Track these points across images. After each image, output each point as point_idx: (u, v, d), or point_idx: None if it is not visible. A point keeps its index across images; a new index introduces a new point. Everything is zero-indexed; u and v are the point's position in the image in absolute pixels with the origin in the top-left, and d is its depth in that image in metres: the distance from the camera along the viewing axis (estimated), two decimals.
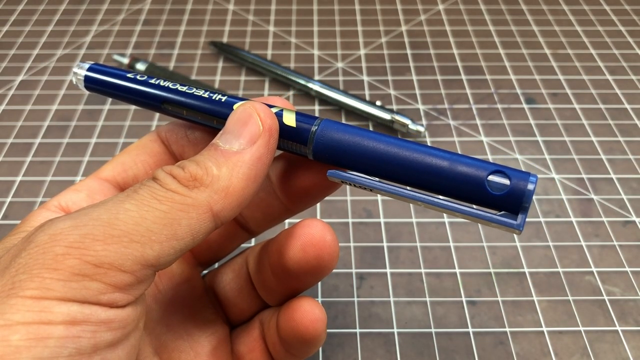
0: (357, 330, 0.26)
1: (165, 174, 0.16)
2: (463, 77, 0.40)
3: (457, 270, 0.28)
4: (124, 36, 0.44)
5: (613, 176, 0.33)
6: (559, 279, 0.28)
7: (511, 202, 0.16)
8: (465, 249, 0.29)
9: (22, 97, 0.38)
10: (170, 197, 0.15)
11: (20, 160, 0.34)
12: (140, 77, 0.19)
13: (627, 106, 0.38)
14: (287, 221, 0.30)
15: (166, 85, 0.19)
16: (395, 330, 0.26)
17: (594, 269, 0.28)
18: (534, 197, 0.31)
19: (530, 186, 0.16)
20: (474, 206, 0.17)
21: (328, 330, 0.25)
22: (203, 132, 0.21)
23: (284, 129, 0.18)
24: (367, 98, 0.38)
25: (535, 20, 0.46)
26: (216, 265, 0.25)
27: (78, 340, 0.13)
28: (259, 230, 0.22)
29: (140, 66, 0.39)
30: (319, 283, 0.28)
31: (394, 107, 0.38)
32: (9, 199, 0.32)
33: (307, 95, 0.39)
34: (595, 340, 0.26)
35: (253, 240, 0.28)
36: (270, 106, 0.18)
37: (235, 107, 0.18)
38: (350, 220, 0.31)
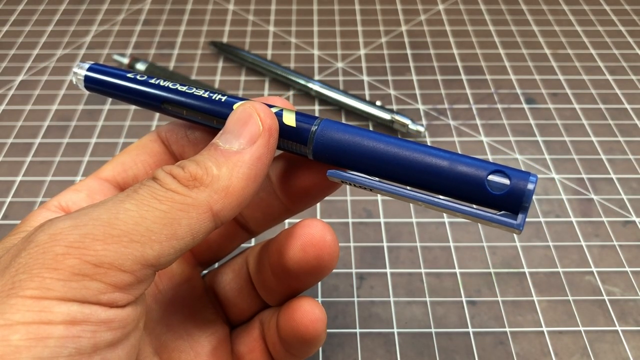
0: (357, 330, 0.26)
1: (165, 173, 0.16)
2: (463, 77, 0.40)
3: (457, 270, 0.28)
4: (124, 36, 0.44)
5: (613, 176, 0.33)
6: (559, 279, 0.28)
7: (511, 201, 0.16)
8: (465, 249, 0.29)
9: (22, 97, 0.38)
10: (170, 197, 0.15)
11: (20, 160, 0.34)
12: (140, 77, 0.19)
13: (627, 106, 0.38)
14: (287, 221, 0.30)
15: (166, 85, 0.19)
16: (395, 330, 0.26)
17: (594, 269, 0.28)
18: (534, 197, 0.31)
19: (530, 186, 0.16)
20: (474, 206, 0.17)
21: (328, 330, 0.25)
22: (203, 132, 0.21)
23: (284, 128, 0.18)
24: (367, 98, 0.38)
25: (535, 20, 0.46)
26: (216, 265, 0.25)
27: (78, 340, 0.13)
28: (259, 230, 0.22)
29: (140, 66, 0.39)
30: (319, 283, 0.28)
31: (394, 107, 0.38)
32: (9, 199, 0.32)
33: (307, 95, 0.39)
34: (595, 340, 0.26)
35: (253, 240, 0.28)
36: (270, 106, 0.18)
37: (235, 107, 0.18)
38: (350, 220, 0.31)
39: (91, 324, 0.13)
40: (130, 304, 0.15)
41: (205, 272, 0.24)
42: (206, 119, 0.19)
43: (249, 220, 0.22)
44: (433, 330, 0.26)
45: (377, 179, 0.17)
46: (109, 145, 0.35)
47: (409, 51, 0.43)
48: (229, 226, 0.22)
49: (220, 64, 0.41)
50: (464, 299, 0.27)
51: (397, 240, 0.30)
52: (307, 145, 0.18)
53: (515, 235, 0.30)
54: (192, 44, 0.43)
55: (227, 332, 0.22)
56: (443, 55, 0.42)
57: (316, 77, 0.40)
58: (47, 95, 0.39)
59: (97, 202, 0.16)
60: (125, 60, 0.40)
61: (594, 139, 0.35)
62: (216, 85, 0.39)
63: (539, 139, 0.35)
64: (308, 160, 0.19)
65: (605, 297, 0.27)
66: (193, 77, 0.40)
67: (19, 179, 0.33)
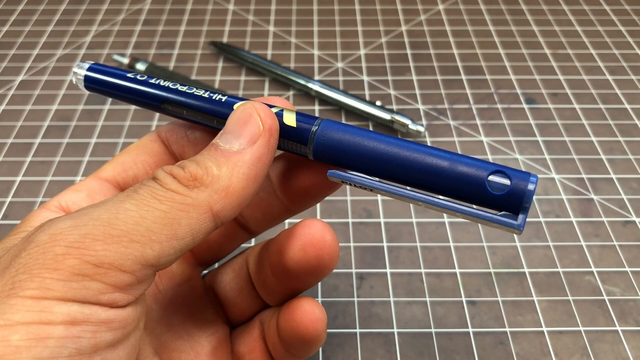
0: (357, 330, 0.26)
1: (165, 173, 0.16)
2: (463, 77, 0.40)
3: (457, 270, 0.28)
4: (124, 36, 0.44)
5: (613, 176, 0.33)
6: (559, 279, 0.28)
7: (511, 202, 0.16)
8: (465, 249, 0.29)
9: (22, 97, 0.38)
10: (170, 197, 0.15)
11: (20, 160, 0.34)
12: (140, 77, 0.19)
13: (627, 106, 0.38)
14: (287, 221, 0.30)
15: (166, 85, 0.19)
16: (395, 330, 0.26)
17: (594, 269, 0.28)
18: (534, 197, 0.31)
19: (531, 186, 0.16)
20: (474, 206, 0.17)
21: (328, 330, 0.25)
22: (203, 132, 0.21)
23: (284, 129, 0.18)
24: (367, 98, 0.38)
25: (535, 20, 0.46)
26: (216, 265, 0.25)
27: (78, 340, 0.13)
28: (259, 230, 0.22)
29: (140, 66, 0.39)
30: (319, 283, 0.28)
31: (394, 107, 0.38)
32: (9, 199, 0.32)
33: (307, 95, 0.39)
34: (595, 340, 0.26)
35: (253, 240, 0.28)
36: (271, 106, 0.18)
37: (235, 107, 0.18)
38: (350, 220, 0.31)
39: (91, 324, 0.13)
40: (131, 304, 0.15)
41: (205, 272, 0.24)
42: (206, 119, 0.19)
43: (249, 220, 0.22)
44: (433, 330, 0.26)
45: (377, 179, 0.17)
46: (109, 145, 0.35)
47: (409, 51, 0.43)
48: (229, 226, 0.22)
49: (220, 64, 0.41)
50: (464, 299, 0.27)
51: (397, 240, 0.30)
52: (307, 146, 0.18)
53: (515, 235, 0.30)
54: (192, 44, 0.43)
55: (227, 332, 0.22)
56: (443, 55, 0.42)
57: (316, 77, 0.40)
58: (47, 95, 0.39)
59: (97, 202, 0.16)
60: (125, 60, 0.40)
61: (594, 139, 0.35)
62: (216, 85, 0.39)
63: (539, 139, 0.35)
64: (308, 160, 0.19)
65: (605, 297, 0.27)
66: (193, 77, 0.40)
67: (19, 179, 0.33)
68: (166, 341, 0.20)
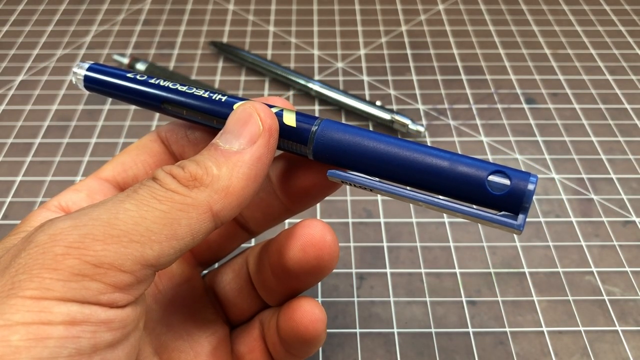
0: (357, 330, 0.26)
1: (165, 173, 0.16)
2: (463, 77, 0.40)
3: (457, 270, 0.28)
4: (124, 36, 0.44)
5: (613, 176, 0.33)
6: (559, 279, 0.28)
7: (511, 202, 0.16)
8: (465, 249, 0.29)
9: (22, 97, 0.38)
10: (170, 197, 0.15)
11: (20, 160, 0.34)
12: (140, 77, 0.19)
13: (627, 106, 0.38)
14: (287, 221, 0.30)
15: (166, 85, 0.19)
16: (395, 330, 0.26)
17: (594, 269, 0.28)
18: (534, 197, 0.31)
19: (531, 186, 0.16)
20: (474, 206, 0.17)
21: (328, 330, 0.25)
22: (203, 132, 0.21)
23: (284, 128, 0.18)
24: (367, 98, 0.38)
25: (535, 20, 0.46)
26: (216, 265, 0.25)
27: (78, 340, 0.13)
28: (259, 230, 0.22)
29: (140, 66, 0.39)
30: (319, 283, 0.28)
31: (394, 107, 0.38)
32: (9, 199, 0.32)
33: (307, 95, 0.39)
34: (595, 340, 0.26)
35: (253, 240, 0.28)
36: (271, 106, 0.18)
37: (235, 107, 0.18)
38: (350, 220, 0.31)
39: (91, 325, 0.13)
40: (130, 304, 0.15)
41: (205, 272, 0.24)
42: (206, 119, 0.19)
43: (249, 221, 0.22)
44: (433, 330, 0.26)
45: (377, 179, 0.17)
46: (109, 145, 0.35)
47: (409, 51, 0.43)
48: (229, 226, 0.22)
49: (220, 64, 0.41)
50: (464, 299, 0.27)
51: (397, 240, 0.30)
52: (307, 146, 0.18)
53: (515, 235, 0.30)
54: (192, 44, 0.43)
55: (227, 332, 0.22)
56: (443, 55, 0.42)
57: (316, 77, 0.40)
58: (47, 95, 0.39)
59: (97, 202, 0.16)
60: (125, 60, 0.40)
61: (594, 139, 0.35)
62: (216, 85, 0.39)
63: (539, 139, 0.35)
64: (308, 160, 0.19)
65: (605, 297, 0.27)
66: (193, 77, 0.40)
67: (19, 179, 0.33)
68: (166, 341, 0.20)
